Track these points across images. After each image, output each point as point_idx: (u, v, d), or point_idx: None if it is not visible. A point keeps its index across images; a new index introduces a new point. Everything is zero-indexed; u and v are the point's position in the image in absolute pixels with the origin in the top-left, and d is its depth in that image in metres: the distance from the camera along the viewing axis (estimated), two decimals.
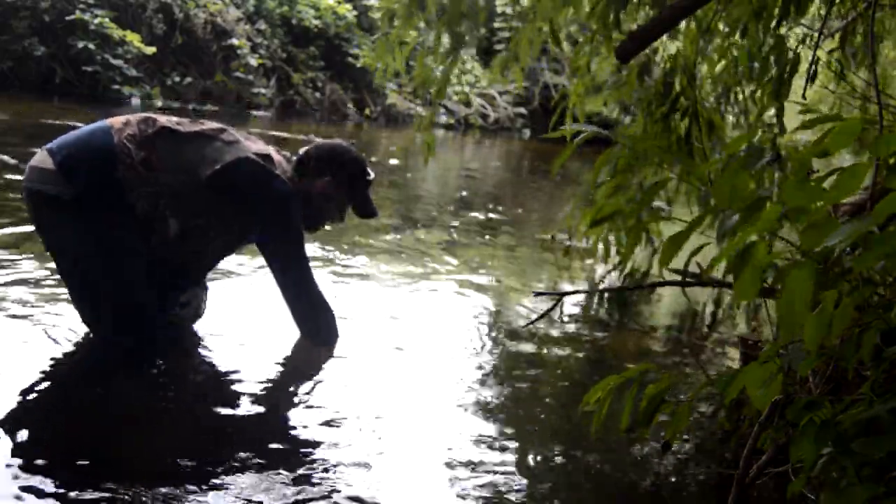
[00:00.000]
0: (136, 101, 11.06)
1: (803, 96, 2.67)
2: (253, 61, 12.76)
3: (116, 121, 2.49)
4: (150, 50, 11.28)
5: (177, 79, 12.00)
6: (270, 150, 2.67)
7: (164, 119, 2.52)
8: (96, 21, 10.83)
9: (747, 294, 1.10)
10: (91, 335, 2.52)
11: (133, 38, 11.12)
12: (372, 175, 2.81)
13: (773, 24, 3.11)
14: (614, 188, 1.59)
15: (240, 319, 2.90)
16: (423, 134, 3.50)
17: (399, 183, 7.51)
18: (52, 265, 2.77)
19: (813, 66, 2.73)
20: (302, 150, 2.76)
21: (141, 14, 11.71)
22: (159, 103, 11.18)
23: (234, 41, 12.65)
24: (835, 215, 1.15)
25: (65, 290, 2.64)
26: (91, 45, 10.76)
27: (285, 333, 2.72)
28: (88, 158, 2.39)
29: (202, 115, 10.86)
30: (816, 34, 3.09)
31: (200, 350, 2.64)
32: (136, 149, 2.41)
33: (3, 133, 6.77)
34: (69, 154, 2.39)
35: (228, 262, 3.03)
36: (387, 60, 3.27)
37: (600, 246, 4.14)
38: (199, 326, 2.75)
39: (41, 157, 2.42)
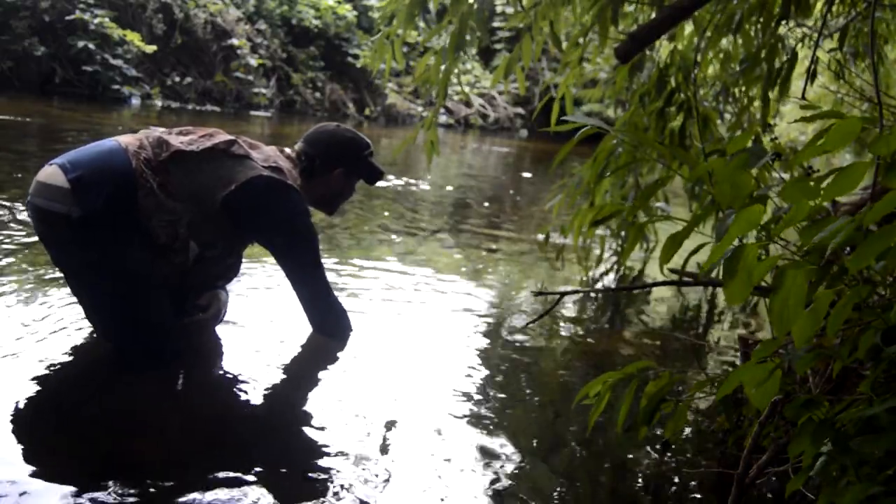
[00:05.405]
0: (135, 101, 11.06)
1: (803, 96, 2.67)
2: (253, 61, 12.76)
3: (129, 142, 2.44)
4: (150, 49, 11.29)
5: (177, 79, 12.01)
6: (277, 156, 2.67)
7: (175, 140, 2.49)
8: (96, 21, 10.84)
9: (738, 297, 1.09)
10: (96, 336, 2.52)
11: (133, 38, 11.13)
12: (371, 147, 2.88)
13: (773, 23, 3.11)
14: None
15: (255, 320, 2.91)
16: (427, 133, 3.47)
17: (399, 182, 7.51)
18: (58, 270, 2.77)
19: (812, 66, 2.73)
20: (298, 149, 2.76)
21: (141, 14, 11.73)
22: (159, 103, 11.18)
23: (234, 41, 12.66)
24: (835, 215, 1.15)
25: (68, 291, 2.64)
26: (91, 45, 10.77)
27: (301, 331, 2.76)
28: (109, 181, 2.33)
29: (202, 116, 10.88)
30: (816, 34, 3.09)
31: (216, 350, 2.64)
32: (153, 174, 2.39)
33: None
34: (85, 174, 2.32)
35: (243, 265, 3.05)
36: (384, 57, 3.25)
37: (595, 249, 4.14)
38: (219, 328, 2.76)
39: (51, 173, 2.34)
